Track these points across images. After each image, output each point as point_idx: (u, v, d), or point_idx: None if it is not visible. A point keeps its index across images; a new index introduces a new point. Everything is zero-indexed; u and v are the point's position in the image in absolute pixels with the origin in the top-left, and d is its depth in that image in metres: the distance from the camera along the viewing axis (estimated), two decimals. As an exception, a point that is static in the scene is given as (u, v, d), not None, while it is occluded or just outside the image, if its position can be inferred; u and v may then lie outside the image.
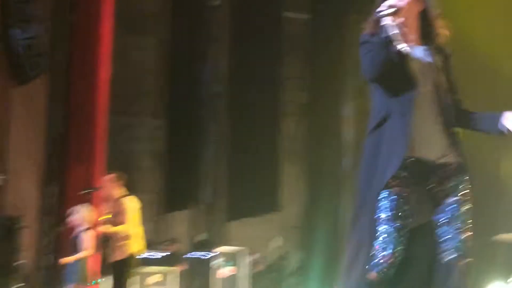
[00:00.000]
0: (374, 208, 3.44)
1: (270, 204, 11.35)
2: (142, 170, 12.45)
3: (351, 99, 11.33)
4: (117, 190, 7.92)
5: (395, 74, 3.49)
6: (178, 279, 9.62)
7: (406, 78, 3.52)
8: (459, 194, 3.46)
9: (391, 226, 3.41)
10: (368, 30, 3.61)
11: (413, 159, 3.45)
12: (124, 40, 11.19)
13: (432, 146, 3.51)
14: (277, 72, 11.69)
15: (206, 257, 10.22)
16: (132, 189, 8.30)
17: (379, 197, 3.44)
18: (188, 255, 10.49)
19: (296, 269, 11.86)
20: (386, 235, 3.41)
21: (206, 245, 11.18)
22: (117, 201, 7.88)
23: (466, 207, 3.44)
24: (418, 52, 3.64)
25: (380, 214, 3.43)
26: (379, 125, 3.54)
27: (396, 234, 3.40)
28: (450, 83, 3.66)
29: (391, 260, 3.38)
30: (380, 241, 3.40)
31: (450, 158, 3.50)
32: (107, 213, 7.86)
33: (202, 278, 10.07)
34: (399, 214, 3.42)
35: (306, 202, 12.21)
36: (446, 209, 3.46)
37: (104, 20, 9.13)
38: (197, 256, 10.43)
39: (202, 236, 12.28)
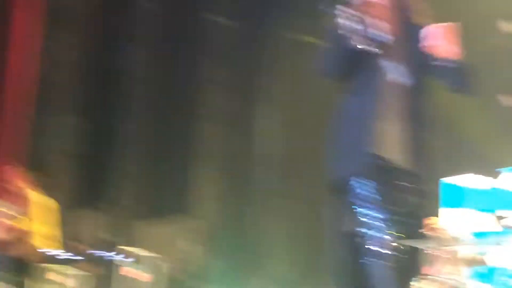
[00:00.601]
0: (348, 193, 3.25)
1: (180, 206, 11.28)
2: (51, 167, 12.18)
3: (269, 105, 11.39)
4: (24, 186, 7.77)
5: (359, 65, 3.28)
6: (82, 279, 9.46)
7: (371, 68, 3.29)
8: (412, 210, 3.29)
9: (374, 211, 3.21)
10: (335, 24, 3.34)
11: (376, 156, 3.27)
12: (45, 35, 10.95)
13: (393, 147, 3.31)
14: (197, 74, 11.64)
15: (112, 258, 10.08)
16: (40, 186, 8.13)
17: (354, 184, 3.26)
18: (94, 255, 10.33)
19: (202, 273, 11.83)
20: (373, 222, 3.19)
21: (111, 245, 11.03)
22: (22, 196, 7.74)
23: (416, 221, 3.30)
24: (385, 38, 3.36)
25: (359, 201, 3.24)
26: (342, 112, 3.36)
27: (383, 220, 3.19)
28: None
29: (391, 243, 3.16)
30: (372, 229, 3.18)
31: (410, 165, 3.32)
32: (12, 208, 7.70)
33: (107, 278, 9.94)
34: (380, 199, 3.23)
35: (217, 206, 12.19)
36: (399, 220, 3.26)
37: (23, 15, 8.91)
38: (102, 256, 10.28)
39: (108, 236, 12.10)
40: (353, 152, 3.26)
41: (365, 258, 3.16)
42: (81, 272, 9.49)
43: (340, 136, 3.35)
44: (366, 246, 3.17)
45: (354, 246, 3.22)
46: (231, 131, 11.31)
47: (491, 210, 7.93)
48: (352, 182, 3.25)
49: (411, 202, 3.30)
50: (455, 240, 3.75)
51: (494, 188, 8.29)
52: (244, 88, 11.38)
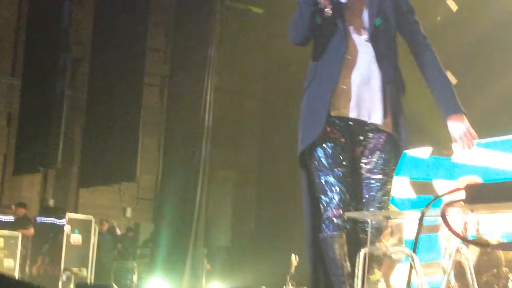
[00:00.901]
0: (312, 163, 3.22)
1: (125, 174, 11.27)
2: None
3: (212, 74, 11.41)
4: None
5: (323, 30, 3.22)
6: (20, 244, 9.39)
7: (335, 31, 3.22)
8: (382, 174, 3.23)
9: (330, 175, 3.19)
10: None
11: (341, 117, 3.18)
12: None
13: (362, 107, 3.21)
14: (141, 43, 11.58)
15: (56, 223, 10.04)
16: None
17: (315, 150, 3.21)
18: (37, 220, 10.27)
19: (146, 240, 11.92)
20: (328, 187, 3.17)
21: (55, 211, 10.98)
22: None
23: (386, 189, 3.23)
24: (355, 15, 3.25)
25: (318, 164, 3.21)
26: (307, 87, 3.29)
27: (338, 183, 3.17)
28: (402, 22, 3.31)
29: (339, 211, 3.14)
30: (325, 197, 3.17)
31: (382, 126, 3.23)
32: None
33: (51, 244, 9.90)
34: (337, 160, 3.20)
35: (161, 174, 12.25)
36: (370, 185, 3.23)
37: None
38: (45, 221, 10.23)
39: (52, 202, 12.04)
40: (316, 117, 3.20)
41: (323, 226, 3.18)
42: (19, 236, 9.40)
43: (305, 104, 3.29)
44: (323, 214, 3.17)
45: (317, 214, 3.24)
46: (176, 102, 11.32)
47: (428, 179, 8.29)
48: (315, 149, 3.21)
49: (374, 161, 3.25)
50: (399, 213, 3.86)
51: (432, 157, 8.62)
52: (188, 58, 11.38)
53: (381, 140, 3.23)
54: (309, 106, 3.28)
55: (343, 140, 3.21)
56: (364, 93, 3.21)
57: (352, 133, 3.23)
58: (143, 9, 11.62)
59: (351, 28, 3.24)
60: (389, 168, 3.24)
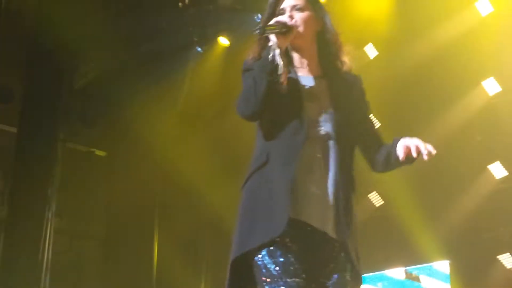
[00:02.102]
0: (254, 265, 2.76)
1: None
2: None
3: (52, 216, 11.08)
4: None
5: (278, 109, 2.82)
6: None
7: (292, 115, 2.83)
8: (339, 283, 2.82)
9: (280, 285, 2.70)
10: (251, 54, 2.98)
11: (295, 220, 2.76)
12: None
13: (315, 210, 2.80)
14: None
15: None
16: None
17: (261, 254, 2.74)
18: None
19: None
20: None
21: None
22: None
23: None
24: (310, 82, 2.95)
25: (265, 272, 2.72)
26: (259, 168, 2.86)
27: None
28: (362, 120, 2.98)
29: None
30: None
31: (335, 232, 2.82)
32: None
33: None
34: (290, 268, 2.72)
35: None
36: None
37: None
38: None
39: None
40: (266, 219, 2.75)
41: None
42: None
43: (251, 203, 2.84)
44: None
45: None
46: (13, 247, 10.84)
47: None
48: (262, 255, 2.75)
49: (334, 273, 2.83)
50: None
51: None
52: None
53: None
54: (259, 203, 2.82)
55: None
56: (319, 195, 2.84)
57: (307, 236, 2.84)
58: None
59: (309, 113, 2.88)
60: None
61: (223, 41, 10.34)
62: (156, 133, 10.60)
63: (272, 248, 2.73)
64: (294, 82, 2.86)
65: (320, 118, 2.89)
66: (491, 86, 9.23)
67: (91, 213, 12.81)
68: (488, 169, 9.57)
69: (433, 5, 8.69)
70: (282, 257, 2.73)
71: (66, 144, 11.66)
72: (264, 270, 2.73)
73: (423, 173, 8.48)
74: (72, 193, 13.23)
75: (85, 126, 11.59)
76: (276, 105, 2.81)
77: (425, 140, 2.81)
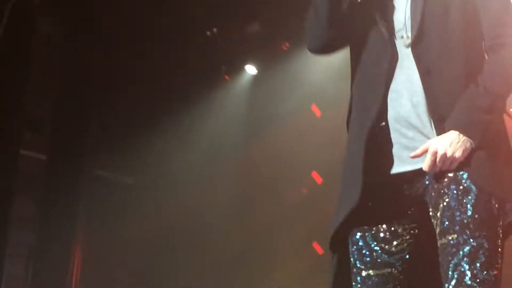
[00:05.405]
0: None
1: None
2: None
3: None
4: None
5: (352, 37, 2.26)
6: None
7: (371, 45, 2.26)
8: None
9: (358, 277, 2.32)
10: None
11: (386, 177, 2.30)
12: None
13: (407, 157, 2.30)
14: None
15: None
16: None
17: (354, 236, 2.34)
18: None
19: None
20: None
21: None
22: None
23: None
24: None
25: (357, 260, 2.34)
26: (347, 123, 2.40)
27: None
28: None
29: None
30: None
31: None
32: None
33: None
34: (366, 259, 2.31)
35: None
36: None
37: None
38: None
39: None
40: (350, 187, 2.27)
41: None
42: None
43: (344, 167, 2.38)
44: None
45: None
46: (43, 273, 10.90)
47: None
48: (353, 234, 2.34)
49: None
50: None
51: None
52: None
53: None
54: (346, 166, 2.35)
55: None
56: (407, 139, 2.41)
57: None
58: (9, 175, 11.34)
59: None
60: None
61: (250, 69, 10.31)
62: (181, 164, 10.60)
63: (358, 228, 2.41)
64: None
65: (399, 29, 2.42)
66: None
67: (120, 241, 12.81)
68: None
69: None
70: (358, 242, 2.43)
71: (94, 171, 11.74)
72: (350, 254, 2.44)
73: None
74: (100, 221, 13.26)
75: (112, 154, 11.68)
76: (346, 30, 2.26)
77: None
